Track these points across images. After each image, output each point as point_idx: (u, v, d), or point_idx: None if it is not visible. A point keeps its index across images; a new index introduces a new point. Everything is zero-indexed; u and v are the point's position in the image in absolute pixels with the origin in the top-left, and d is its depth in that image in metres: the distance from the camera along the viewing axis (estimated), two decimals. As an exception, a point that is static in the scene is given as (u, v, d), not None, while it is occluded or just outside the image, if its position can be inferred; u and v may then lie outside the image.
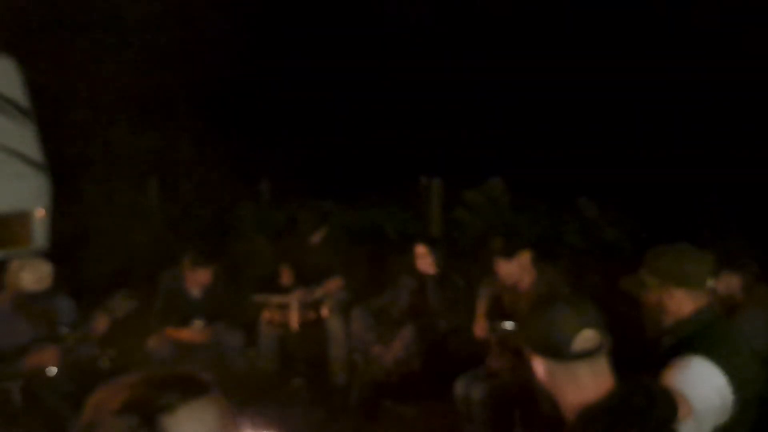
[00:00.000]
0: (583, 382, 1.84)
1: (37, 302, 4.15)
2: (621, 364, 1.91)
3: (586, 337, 1.84)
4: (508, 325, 4.07)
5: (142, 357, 5.04)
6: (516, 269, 4.19)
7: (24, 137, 7.27)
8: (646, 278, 2.66)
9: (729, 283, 3.43)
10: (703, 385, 2.32)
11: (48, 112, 7.96)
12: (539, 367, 1.94)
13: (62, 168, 8.18)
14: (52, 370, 4.02)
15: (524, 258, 4.19)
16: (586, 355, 1.83)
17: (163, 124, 10.36)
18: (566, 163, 9.38)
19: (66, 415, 3.78)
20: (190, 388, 1.27)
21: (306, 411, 4.98)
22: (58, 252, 4.94)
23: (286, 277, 5.82)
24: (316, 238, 5.86)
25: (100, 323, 4.22)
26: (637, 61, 9.93)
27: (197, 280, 5.25)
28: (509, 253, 4.17)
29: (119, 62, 10.36)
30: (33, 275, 4.10)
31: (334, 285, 5.74)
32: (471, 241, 7.26)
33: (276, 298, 5.52)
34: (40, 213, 7.42)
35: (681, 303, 2.55)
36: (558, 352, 1.85)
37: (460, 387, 4.21)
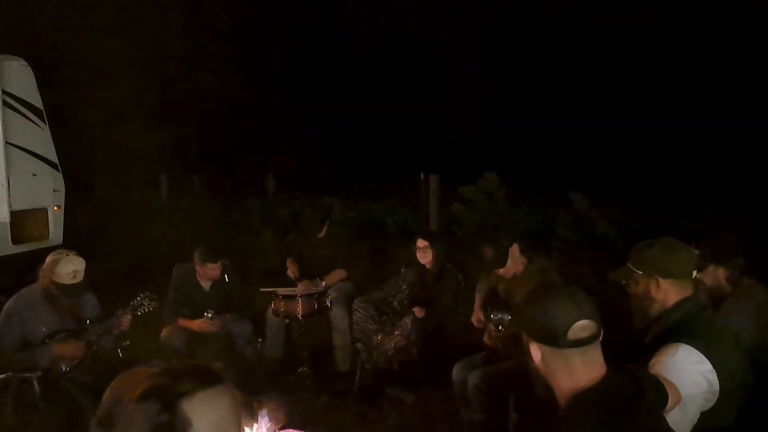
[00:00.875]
0: (576, 369, 1.94)
1: (67, 296, 4.22)
2: (611, 353, 2.00)
3: (581, 327, 1.93)
4: (503, 316, 4.18)
5: (155, 347, 5.22)
6: (511, 265, 4.28)
7: (39, 137, 7.43)
8: (633, 270, 2.73)
9: (716, 275, 3.45)
10: (690, 370, 2.40)
11: (61, 112, 8.08)
12: (536, 352, 2.02)
13: (76, 166, 8.31)
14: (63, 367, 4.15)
15: (514, 252, 4.28)
16: (581, 343, 1.93)
17: (172, 123, 10.44)
18: (559, 158, 9.43)
19: (84, 404, 3.88)
20: (205, 377, 1.37)
21: (311, 397, 5.08)
22: (72, 247, 5.04)
23: (291, 270, 5.96)
24: (320, 232, 5.98)
25: (124, 321, 4.38)
26: (629, 58, 9.95)
27: (207, 274, 5.41)
28: (502, 261, 4.27)
29: (129, 63, 10.43)
30: (68, 269, 4.16)
31: (337, 277, 5.88)
32: (468, 235, 7.33)
33: (282, 290, 5.60)
34: (56, 210, 7.62)
35: (667, 293, 2.64)
36: (554, 339, 1.95)
37: (457, 373, 4.29)
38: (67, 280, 4.18)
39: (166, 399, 1.30)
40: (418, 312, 5.17)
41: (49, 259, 4.23)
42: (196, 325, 5.28)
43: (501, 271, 4.33)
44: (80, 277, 4.23)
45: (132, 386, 1.32)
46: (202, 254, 5.38)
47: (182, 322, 5.31)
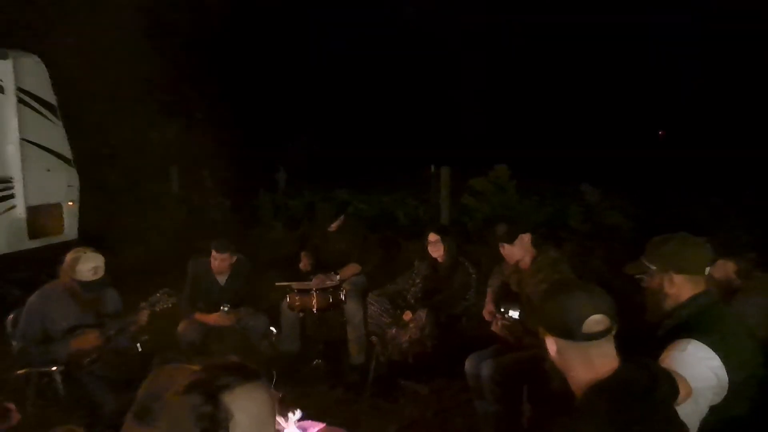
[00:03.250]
0: (591, 362, 1.97)
1: (89, 291, 4.28)
2: (624, 345, 2.02)
3: (597, 321, 1.97)
4: (514, 311, 4.21)
5: (172, 341, 5.24)
6: (518, 250, 4.33)
7: (53, 133, 7.50)
8: (648, 264, 2.75)
9: (726, 269, 3.46)
10: (699, 366, 2.43)
11: (73, 107, 8.11)
12: (552, 346, 2.06)
13: (88, 161, 8.36)
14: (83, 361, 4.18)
15: (525, 239, 4.32)
16: (596, 337, 1.97)
17: (184, 117, 10.47)
18: (569, 149, 9.43)
19: (104, 398, 3.95)
20: (244, 373, 1.47)
21: (326, 389, 5.13)
22: (85, 241, 5.07)
23: (304, 263, 5.97)
24: (334, 226, 5.99)
25: (142, 316, 4.44)
26: (636, 48, 9.93)
27: (222, 267, 5.45)
28: (511, 238, 4.32)
29: (140, 56, 10.45)
30: (88, 266, 4.23)
31: (351, 271, 5.89)
32: (479, 226, 7.37)
33: (297, 284, 5.63)
34: (70, 205, 7.69)
35: (681, 288, 2.65)
36: (570, 333, 1.98)
37: (470, 365, 4.30)
38: (89, 277, 4.25)
39: (209, 391, 1.38)
40: (407, 316, 5.23)
41: (68, 258, 4.29)
42: (212, 318, 5.32)
43: (506, 252, 4.37)
44: (101, 273, 4.30)
45: (174, 381, 1.41)
46: (217, 248, 5.40)
47: (198, 316, 5.35)
